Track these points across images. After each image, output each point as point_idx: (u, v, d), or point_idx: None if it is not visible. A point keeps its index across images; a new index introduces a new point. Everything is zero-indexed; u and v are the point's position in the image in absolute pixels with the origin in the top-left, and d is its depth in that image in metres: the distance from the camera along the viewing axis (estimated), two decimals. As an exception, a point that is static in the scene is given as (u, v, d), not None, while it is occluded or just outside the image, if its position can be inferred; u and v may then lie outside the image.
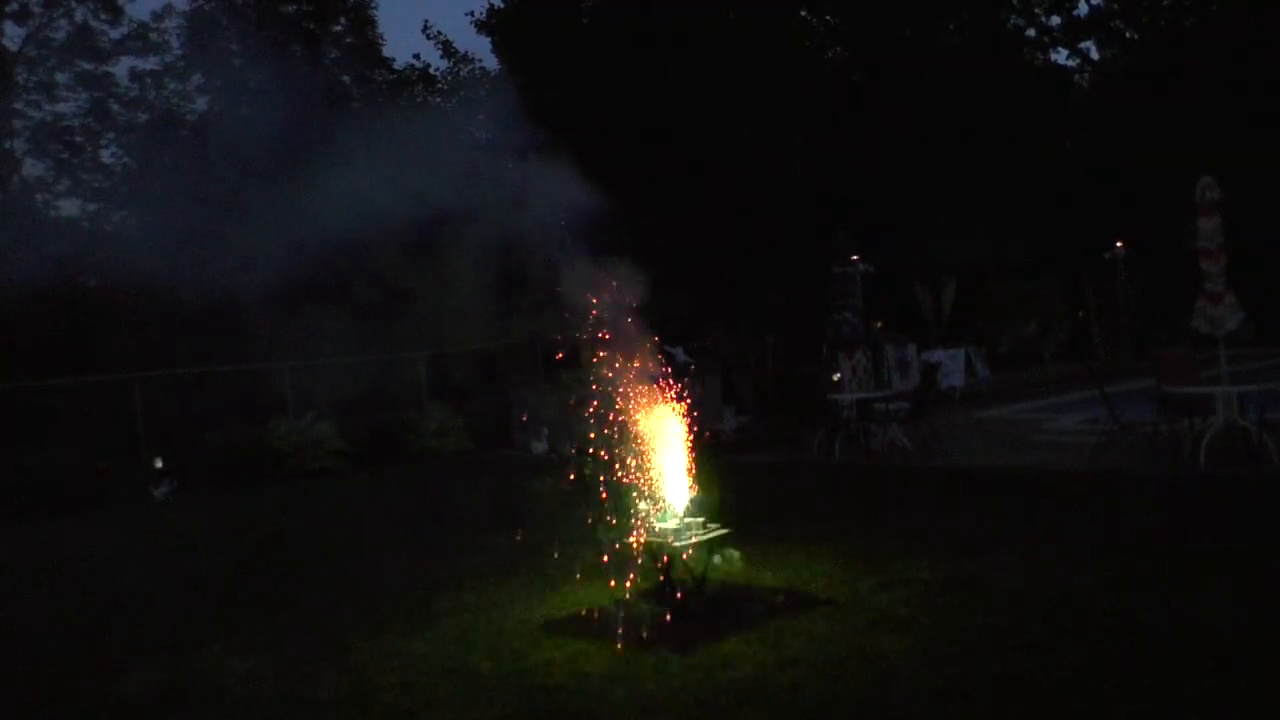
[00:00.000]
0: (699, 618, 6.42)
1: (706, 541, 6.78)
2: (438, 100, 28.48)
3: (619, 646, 6.04)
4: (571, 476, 7.08)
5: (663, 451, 6.97)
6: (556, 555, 7.86)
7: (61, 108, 29.34)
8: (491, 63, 28.87)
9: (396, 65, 30.17)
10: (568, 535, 7.58)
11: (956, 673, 5.15)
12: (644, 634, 6.21)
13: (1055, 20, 31.40)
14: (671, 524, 6.82)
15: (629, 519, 6.85)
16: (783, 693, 5.11)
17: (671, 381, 7.06)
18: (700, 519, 6.88)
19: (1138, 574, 6.62)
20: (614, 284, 6.91)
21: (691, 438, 7.08)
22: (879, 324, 22.06)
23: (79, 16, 29.00)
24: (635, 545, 6.86)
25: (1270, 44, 25.68)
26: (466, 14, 27.61)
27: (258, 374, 19.81)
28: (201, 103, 29.31)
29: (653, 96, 23.88)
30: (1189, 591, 6.17)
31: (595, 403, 6.94)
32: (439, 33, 28.72)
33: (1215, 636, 5.41)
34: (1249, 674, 4.88)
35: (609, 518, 6.85)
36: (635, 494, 6.89)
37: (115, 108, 29.54)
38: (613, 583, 6.99)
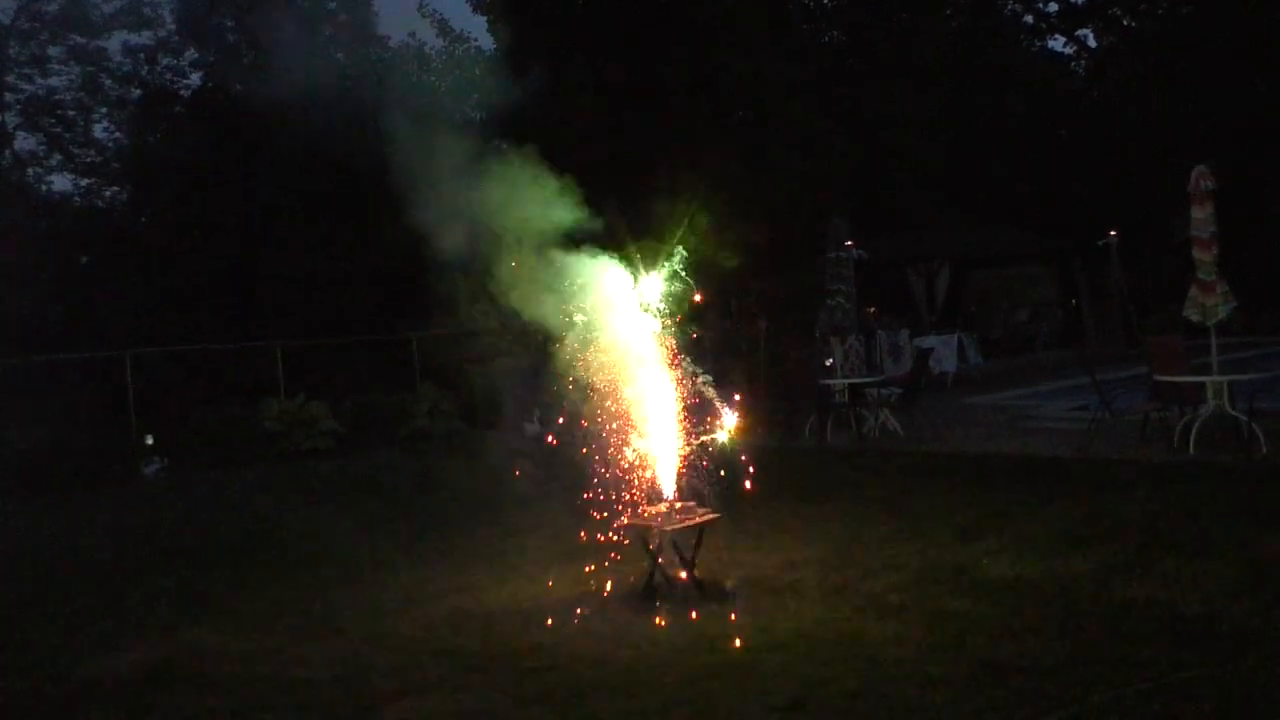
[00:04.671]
0: (688, 600, 6.43)
1: (695, 525, 6.79)
2: (432, 79, 28.32)
3: (608, 629, 6.06)
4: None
5: (655, 434, 6.97)
6: (547, 538, 7.87)
7: (54, 82, 29.17)
8: (487, 43, 28.72)
9: (391, 44, 30.05)
10: (557, 518, 7.59)
11: (944, 659, 5.17)
12: (633, 616, 6.23)
13: (1053, 7, 31.34)
14: (661, 507, 6.83)
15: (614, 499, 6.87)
16: (770, 676, 5.14)
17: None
18: (690, 502, 6.88)
19: (1127, 561, 6.64)
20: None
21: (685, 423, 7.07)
22: (872, 309, 22.04)
23: (72, -10, 28.80)
24: (625, 528, 6.87)
25: (1265, 33, 25.66)
26: (462, -8, 27.48)
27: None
28: (195, 78, 29.14)
29: (648, 77, 23.79)
30: (1178, 579, 6.20)
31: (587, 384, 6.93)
32: (434, 11, 28.63)
33: (1204, 624, 5.44)
34: (1239, 662, 4.90)
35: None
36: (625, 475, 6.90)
37: (108, 82, 29.35)
38: (602, 566, 7.00)
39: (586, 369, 6.85)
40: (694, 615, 6.22)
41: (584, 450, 6.95)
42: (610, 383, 6.88)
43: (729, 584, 6.83)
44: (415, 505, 11.37)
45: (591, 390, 6.86)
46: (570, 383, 6.86)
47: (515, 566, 7.75)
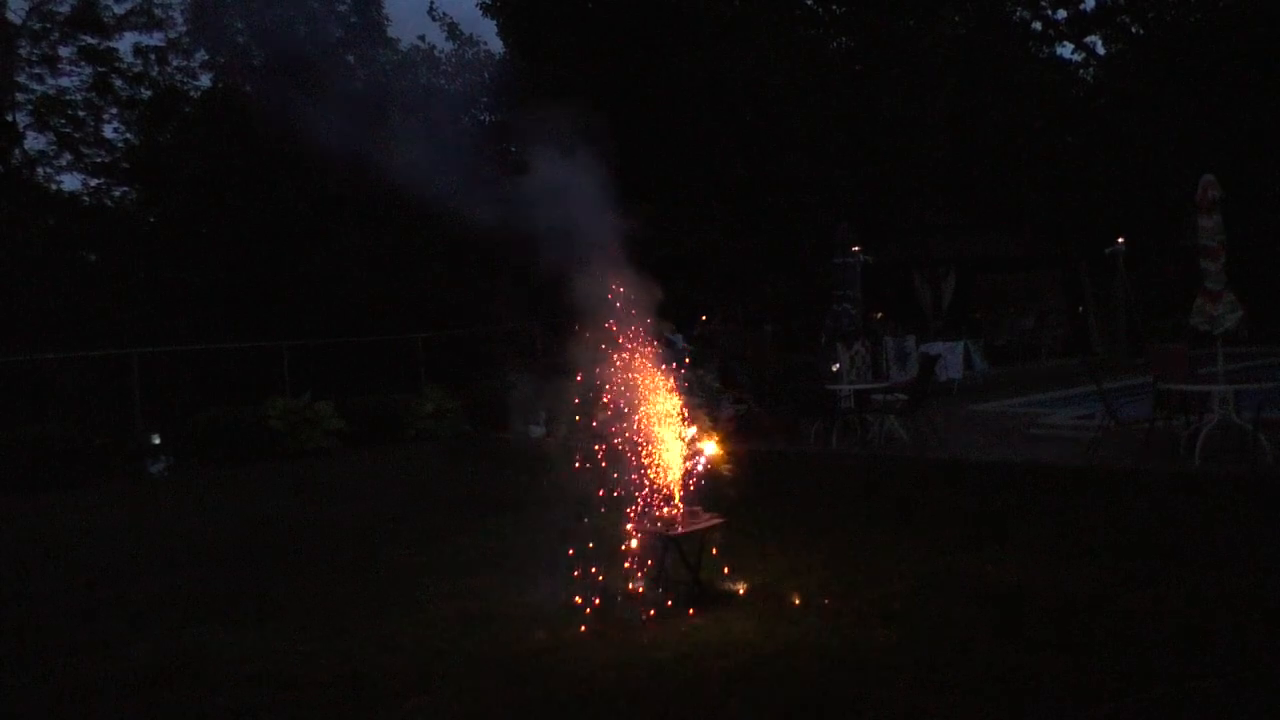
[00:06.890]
0: (692, 606, 6.44)
1: (700, 530, 6.80)
2: (441, 82, 28.37)
3: (611, 633, 6.07)
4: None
5: (660, 439, 6.98)
6: (551, 541, 7.87)
7: (64, 81, 29.29)
8: (497, 46, 28.77)
9: (401, 46, 30.10)
10: (562, 521, 7.59)
11: (947, 668, 5.17)
12: (636, 622, 6.23)
13: (1061, 14, 31.30)
14: (667, 512, 6.83)
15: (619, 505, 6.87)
16: (772, 682, 5.14)
17: (672, 367, 7.06)
18: (695, 507, 6.89)
19: (1131, 571, 6.64)
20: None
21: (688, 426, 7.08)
22: (878, 315, 22.05)
23: (83, -10, 28.87)
24: (630, 533, 6.87)
25: (1273, 35, 25.59)
26: (472, -5, 27.56)
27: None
28: (205, 80, 29.25)
29: (655, 80, 23.83)
30: (1182, 590, 6.19)
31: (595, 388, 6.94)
32: (444, 14, 28.71)
33: (1208, 636, 5.43)
34: (1243, 673, 4.90)
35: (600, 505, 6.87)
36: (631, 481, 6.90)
37: (118, 83, 29.45)
38: (606, 570, 7.01)
39: (593, 372, 6.87)
40: (697, 620, 6.23)
41: (589, 453, 6.97)
42: (616, 386, 6.91)
43: (733, 589, 6.84)
44: (420, 506, 11.39)
45: (597, 393, 6.88)
46: (576, 386, 6.88)
47: (519, 569, 7.75)
